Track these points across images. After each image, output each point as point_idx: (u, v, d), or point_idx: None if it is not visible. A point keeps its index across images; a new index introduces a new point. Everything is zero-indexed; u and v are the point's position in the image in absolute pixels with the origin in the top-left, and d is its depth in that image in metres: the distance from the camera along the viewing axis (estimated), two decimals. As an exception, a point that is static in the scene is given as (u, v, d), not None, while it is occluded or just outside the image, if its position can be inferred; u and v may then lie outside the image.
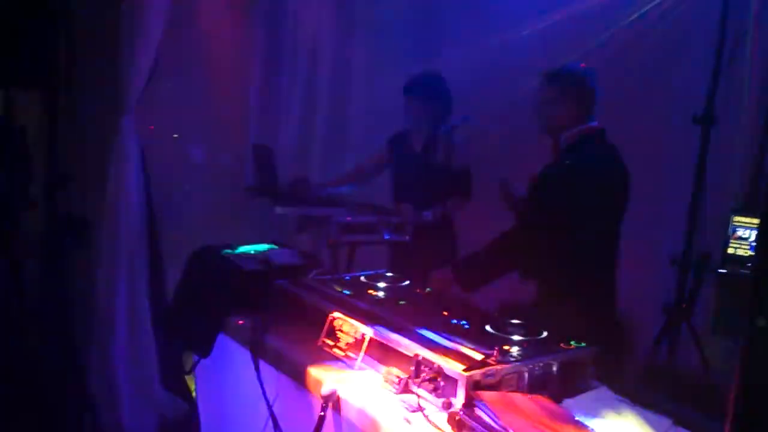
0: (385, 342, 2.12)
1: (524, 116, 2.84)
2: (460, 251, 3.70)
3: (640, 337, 3.36)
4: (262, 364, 2.40)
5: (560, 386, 1.99)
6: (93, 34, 3.16)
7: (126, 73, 3.09)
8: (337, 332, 2.26)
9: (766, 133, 3.51)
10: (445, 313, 2.36)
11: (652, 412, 1.90)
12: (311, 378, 2.15)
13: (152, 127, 3.36)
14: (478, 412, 1.74)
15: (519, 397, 1.87)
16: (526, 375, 1.93)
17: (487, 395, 1.79)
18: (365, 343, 2.14)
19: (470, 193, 3.76)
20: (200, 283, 2.98)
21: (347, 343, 2.21)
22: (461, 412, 1.77)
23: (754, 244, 3.31)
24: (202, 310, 2.88)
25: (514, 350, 2.02)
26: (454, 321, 2.28)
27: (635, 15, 3.69)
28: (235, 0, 4.05)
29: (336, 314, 2.32)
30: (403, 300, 2.54)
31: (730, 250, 3.40)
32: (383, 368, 2.09)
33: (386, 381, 2.01)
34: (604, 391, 2.04)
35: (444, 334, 2.10)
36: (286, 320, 2.58)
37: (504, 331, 2.14)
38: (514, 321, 2.22)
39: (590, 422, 1.78)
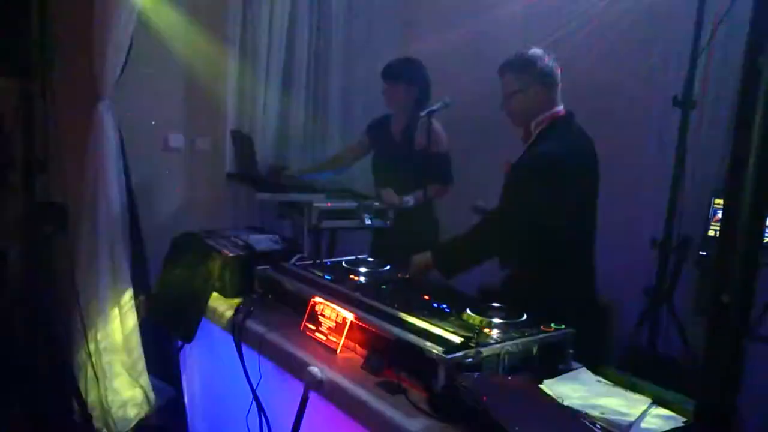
0: (366, 326, 2.13)
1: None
2: (441, 236, 3.71)
3: (622, 320, 3.38)
4: (246, 349, 2.41)
5: (541, 368, 2.01)
6: (68, 19, 3.13)
7: (102, 58, 3.07)
8: (319, 317, 2.28)
9: (732, 115, 3.52)
10: (426, 297, 2.38)
11: (632, 392, 1.92)
12: (294, 362, 2.16)
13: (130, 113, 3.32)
14: (459, 393, 1.75)
15: (500, 379, 1.89)
16: (507, 357, 1.95)
17: (467, 377, 1.80)
18: (347, 327, 2.16)
19: (451, 178, 3.76)
20: (182, 269, 2.98)
21: (329, 328, 2.22)
22: (442, 394, 1.79)
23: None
24: (184, 295, 2.89)
25: (495, 333, 2.03)
26: (435, 305, 2.29)
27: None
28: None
29: (317, 299, 2.33)
30: (384, 285, 2.55)
31: (711, 233, 3.41)
32: (365, 351, 2.10)
33: (367, 364, 2.03)
34: (584, 373, 2.06)
35: (425, 318, 2.11)
36: (268, 305, 2.59)
37: (484, 314, 2.15)
38: (495, 304, 2.24)
39: (570, 403, 1.80)
